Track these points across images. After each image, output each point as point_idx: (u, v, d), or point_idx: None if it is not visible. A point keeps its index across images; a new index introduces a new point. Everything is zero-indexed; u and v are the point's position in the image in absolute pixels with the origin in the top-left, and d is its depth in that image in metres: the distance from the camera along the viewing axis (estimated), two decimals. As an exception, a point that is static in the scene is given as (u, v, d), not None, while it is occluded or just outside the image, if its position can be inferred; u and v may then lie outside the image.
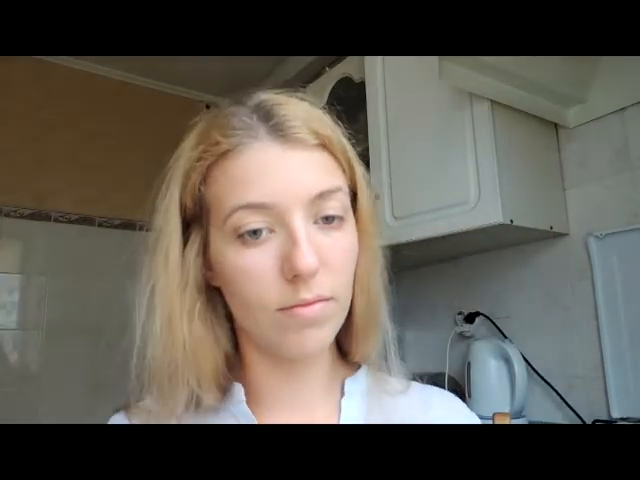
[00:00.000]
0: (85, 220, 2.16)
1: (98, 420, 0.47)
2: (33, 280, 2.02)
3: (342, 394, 0.51)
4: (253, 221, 0.43)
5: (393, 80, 1.47)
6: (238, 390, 0.49)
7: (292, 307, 0.43)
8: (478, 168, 1.21)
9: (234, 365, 0.50)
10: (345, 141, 0.49)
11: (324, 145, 0.45)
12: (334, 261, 0.44)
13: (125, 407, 0.52)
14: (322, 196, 0.44)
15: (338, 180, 0.46)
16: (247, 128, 0.44)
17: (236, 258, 0.43)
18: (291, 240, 0.42)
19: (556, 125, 1.37)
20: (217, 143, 0.45)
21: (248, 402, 0.49)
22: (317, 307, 0.43)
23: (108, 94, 2.30)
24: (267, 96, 0.48)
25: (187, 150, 0.48)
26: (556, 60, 1.16)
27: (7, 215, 2.00)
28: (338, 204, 0.45)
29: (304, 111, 0.46)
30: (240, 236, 0.43)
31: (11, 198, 2.01)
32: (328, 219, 0.45)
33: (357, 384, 0.52)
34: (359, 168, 0.50)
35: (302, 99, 0.49)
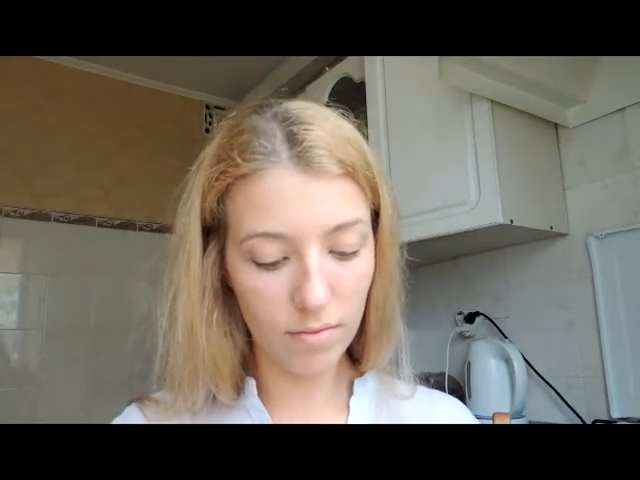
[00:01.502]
0: (85, 220, 2.16)
1: (98, 420, 0.48)
2: (33, 280, 2.02)
3: (350, 394, 0.52)
4: (269, 252, 0.42)
5: (393, 80, 1.47)
6: (251, 385, 0.50)
7: (299, 333, 0.43)
8: (478, 168, 1.21)
9: (248, 362, 0.51)
10: (373, 161, 0.47)
11: (348, 174, 0.44)
12: (346, 290, 0.44)
13: (139, 399, 0.52)
14: (340, 228, 0.43)
15: (359, 211, 0.45)
16: (269, 153, 0.42)
17: (249, 278, 0.43)
18: (304, 272, 0.42)
19: (556, 125, 1.37)
20: (237, 165, 0.43)
21: (259, 396, 0.50)
22: (324, 335, 0.43)
23: (108, 94, 2.30)
24: (296, 111, 0.45)
25: (207, 165, 0.46)
26: (556, 60, 1.16)
27: (7, 215, 2.00)
28: (356, 236, 0.44)
29: (330, 134, 0.44)
30: (255, 259, 0.43)
31: (11, 198, 2.01)
32: (344, 252, 0.44)
33: (365, 386, 0.53)
34: (385, 187, 0.48)
35: (331, 115, 0.47)
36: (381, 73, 1.50)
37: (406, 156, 1.39)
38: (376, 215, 0.48)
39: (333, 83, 1.79)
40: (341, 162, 0.43)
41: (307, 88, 1.89)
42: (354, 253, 0.44)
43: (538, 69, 1.16)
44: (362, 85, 1.58)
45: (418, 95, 1.38)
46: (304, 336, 0.43)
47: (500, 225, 1.17)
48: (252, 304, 0.44)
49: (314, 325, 0.42)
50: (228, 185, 0.44)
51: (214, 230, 0.47)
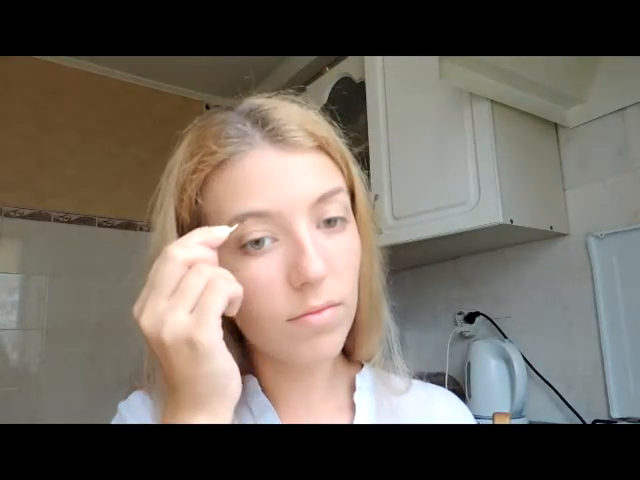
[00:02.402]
0: (85, 220, 2.16)
1: (98, 420, 0.47)
2: (33, 280, 2.02)
3: (349, 390, 0.52)
4: (256, 230, 0.42)
5: (393, 80, 1.47)
6: (253, 383, 0.50)
7: (302, 316, 0.42)
8: (478, 168, 1.21)
9: (243, 367, 0.51)
10: (341, 141, 0.48)
11: (321, 147, 0.45)
12: (340, 265, 0.44)
13: (142, 387, 0.52)
14: (324, 199, 0.43)
15: (337, 181, 0.46)
16: (242, 135, 0.43)
17: (240, 270, 0.42)
18: (297, 247, 0.41)
19: (556, 125, 1.37)
20: (213, 153, 0.44)
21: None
22: (327, 313, 0.43)
23: (108, 94, 2.30)
24: (259, 101, 0.47)
25: (180, 163, 0.47)
26: (556, 60, 1.16)
27: (7, 215, 2.00)
28: (339, 205, 0.45)
29: (298, 113, 0.46)
30: (243, 246, 0.42)
31: (11, 198, 2.01)
32: (330, 222, 0.44)
33: (364, 381, 0.53)
34: (355, 168, 0.50)
35: (293, 101, 0.48)
36: (381, 73, 1.50)
37: (406, 156, 1.39)
38: (352, 195, 0.49)
39: (333, 83, 1.79)
40: (313, 135, 0.44)
41: (307, 88, 1.89)
42: (341, 228, 0.45)
43: (538, 69, 1.16)
44: (362, 85, 1.58)
45: (418, 95, 1.38)
46: (308, 317, 0.42)
47: (500, 225, 1.17)
48: (247, 298, 0.42)
49: (316, 303, 0.42)
50: (205, 177, 0.44)
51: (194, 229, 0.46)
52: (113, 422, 0.52)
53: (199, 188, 0.45)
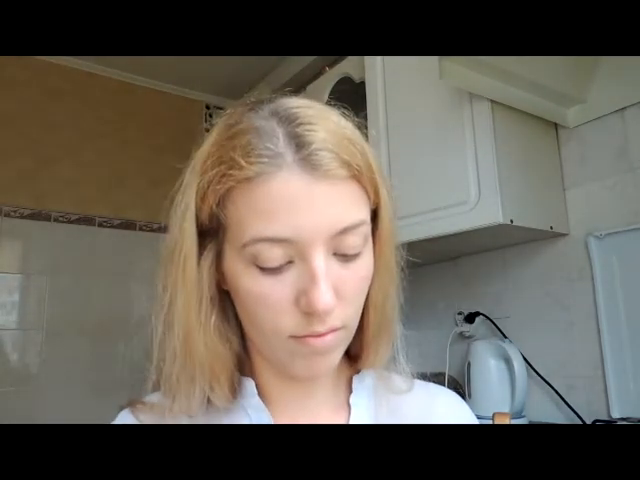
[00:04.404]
0: (85, 220, 2.16)
1: (98, 420, 0.47)
2: (33, 280, 2.02)
3: (348, 391, 0.52)
4: (273, 257, 0.41)
5: (393, 80, 1.47)
6: (250, 385, 0.50)
7: (304, 336, 0.43)
8: (478, 168, 1.21)
9: (244, 363, 0.51)
10: (372, 159, 0.46)
11: (354, 177, 0.43)
12: (350, 293, 0.44)
13: (130, 403, 0.51)
14: (345, 231, 0.42)
15: (363, 212, 0.44)
16: (274, 156, 0.41)
17: (252, 283, 0.42)
18: (310, 276, 0.41)
19: (556, 125, 1.37)
20: (240, 168, 0.41)
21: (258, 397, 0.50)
22: (328, 338, 0.43)
23: (108, 94, 2.30)
24: (293, 110, 0.44)
25: (205, 166, 0.45)
26: (556, 60, 1.16)
27: (7, 215, 2.00)
28: (359, 238, 0.44)
29: (334, 135, 0.43)
30: (257, 264, 0.42)
31: (11, 198, 2.01)
32: (347, 255, 0.44)
33: (363, 382, 0.53)
34: (383, 187, 0.48)
35: (331, 112, 0.46)
36: (381, 73, 1.50)
37: (406, 156, 1.39)
38: (374, 214, 0.48)
39: (333, 83, 1.79)
40: (347, 165, 0.42)
41: (307, 88, 1.89)
42: (357, 255, 0.44)
43: (538, 69, 1.16)
44: (362, 85, 1.58)
45: (418, 95, 1.38)
46: (309, 339, 0.43)
47: (500, 225, 1.17)
48: (255, 309, 0.43)
49: (320, 329, 0.42)
50: (230, 187, 0.43)
51: (211, 233, 0.45)
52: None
53: (222, 197, 0.44)
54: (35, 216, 2.05)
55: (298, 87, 1.98)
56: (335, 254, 0.43)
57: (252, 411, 0.49)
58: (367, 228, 0.45)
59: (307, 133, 0.42)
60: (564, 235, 1.33)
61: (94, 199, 2.18)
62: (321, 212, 0.41)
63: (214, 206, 0.44)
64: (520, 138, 1.27)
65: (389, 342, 0.52)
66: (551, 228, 1.29)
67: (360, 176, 0.43)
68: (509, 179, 1.20)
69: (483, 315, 1.49)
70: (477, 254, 1.56)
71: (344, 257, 0.44)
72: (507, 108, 1.22)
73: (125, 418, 0.51)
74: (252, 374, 0.51)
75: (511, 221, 1.17)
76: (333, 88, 1.79)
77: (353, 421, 0.50)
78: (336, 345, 0.45)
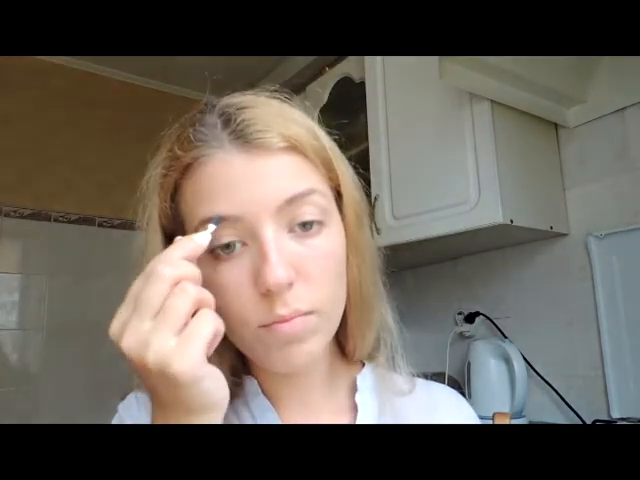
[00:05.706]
0: (85, 220, 2.16)
1: (98, 420, 0.47)
2: (33, 280, 2.02)
3: (350, 391, 0.52)
4: (223, 235, 0.41)
5: (393, 80, 1.47)
6: (253, 384, 0.49)
7: (272, 324, 0.42)
8: (478, 168, 1.21)
9: (243, 362, 0.51)
10: (324, 138, 0.46)
11: (293, 147, 0.43)
12: (312, 272, 0.42)
13: (134, 390, 0.52)
14: (293, 201, 0.42)
15: (310, 182, 0.43)
16: (208, 139, 0.43)
17: (210, 273, 0.42)
18: (261, 253, 0.40)
19: (556, 125, 1.37)
20: (178, 157, 0.43)
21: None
22: (297, 322, 0.41)
23: (108, 94, 2.30)
24: (232, 100, 0.46)
25: (154, 166, 0.47)
26: (556, 60, 1.16)
27: (7, 215, 2.00)
28: (314, 208, 0.43)
29: (270, 112, 0.44)
30: (212, 250, 0.41)
31: (11, 198, 2.01)
32: (305, 225, 0.42)
33: (365, 381, 0.53)
34: (343, 166, 0.47)
35: (271, 97, 0.47)
36: (381, 73, 1.50)
37: (406, 156, 1.39)
38: (338, 194, 0.47)
39: (333, 83, 1.79)
40: (281, 135, 0.42)
41: (307, 88, 1.89)
42: (317, 231, 0.43)
43: (538, 69, 1.16)
44: (362, 85, 1.58)
45: (418, 95, 1.38)
46: (276, 326, 0.41)
47: (500, 225, 1.17)
48: (221, 302, 0.41)
49: (283, 312, 0.41)
50: (176, 182, 0.44)
51: (174, 234, 0.44)
52: (113, 422, 0.52)
53: (171, 192, 0.45)
54: (35, 216, 2.05)
55: (298, 87, 1.98)
56: (292, 231, 0.42)
57: (256, 410, 0.49)
58: (322, 199, 0.44)
59: (238, 112, 0.43)
60: (564, 235, 1.33)
61: (94, 199, 2.19)
62: (261, 185, 0.41)
63: (168, 202, 0.45)
64: (520, 138, 1.27)
65: (372, 327, 0.51)
66: (551, 228, 1.29)
67: (301, 147, 0.43)
68: (509, 179, 1.20)
69: (483, 315, 1.49)
70: (477, 254, 1.56)
71: (302, 234, 0.42)
72: (507, 108, 1.22)
73: (132, 398, 0.51)
74: (252, 373, 0.51)
75: (511, 221, 1.17)
76: (333, 88, 1.79)
77: (360, 421, 0.50)
78: (308, 332, 0.42)
